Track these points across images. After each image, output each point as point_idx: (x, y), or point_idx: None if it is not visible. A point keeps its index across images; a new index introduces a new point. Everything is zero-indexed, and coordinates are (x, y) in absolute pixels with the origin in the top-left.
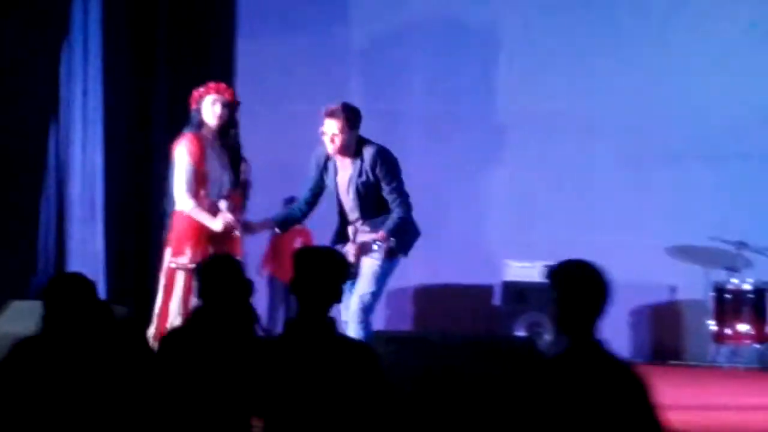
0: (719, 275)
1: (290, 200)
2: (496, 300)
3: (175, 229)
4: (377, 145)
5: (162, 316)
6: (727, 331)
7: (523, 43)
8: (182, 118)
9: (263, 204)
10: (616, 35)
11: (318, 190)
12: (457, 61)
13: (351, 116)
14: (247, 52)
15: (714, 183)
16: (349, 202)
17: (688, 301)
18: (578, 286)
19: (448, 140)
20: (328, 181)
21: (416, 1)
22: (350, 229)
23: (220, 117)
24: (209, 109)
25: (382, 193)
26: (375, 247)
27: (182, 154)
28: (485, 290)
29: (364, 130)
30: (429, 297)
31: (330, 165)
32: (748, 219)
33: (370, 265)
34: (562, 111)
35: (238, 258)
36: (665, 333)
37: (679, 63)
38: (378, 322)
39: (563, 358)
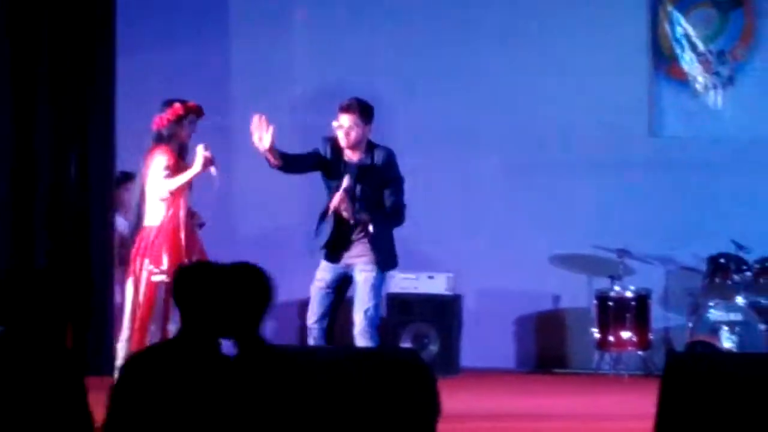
0: (602, 283)
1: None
2: (382, 311)
3: (154, 244)
4: (387, 147)
5: (141, 329)
6: (611, 338)
7: (404, 56)
8: (65, 134)
9: None
10: (497, 44)
11: (314, 161)
12: (340, 70)
13: (366, 111)
14: (127, 67)
15: (596, 191)
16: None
17: (572, 309)
18: (244, 289)
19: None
20: (326, 171)
21: (295, 14)
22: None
23: (189, 136)
24: (187, 127)
25: (384, 194)
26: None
27: (162, 161)
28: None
29: (248, 141)
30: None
31: (335, 157)
32: (630, 227)
33: (365, 279)
34: (445, 122)
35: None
36: (549, 341)
37: (558, 73)
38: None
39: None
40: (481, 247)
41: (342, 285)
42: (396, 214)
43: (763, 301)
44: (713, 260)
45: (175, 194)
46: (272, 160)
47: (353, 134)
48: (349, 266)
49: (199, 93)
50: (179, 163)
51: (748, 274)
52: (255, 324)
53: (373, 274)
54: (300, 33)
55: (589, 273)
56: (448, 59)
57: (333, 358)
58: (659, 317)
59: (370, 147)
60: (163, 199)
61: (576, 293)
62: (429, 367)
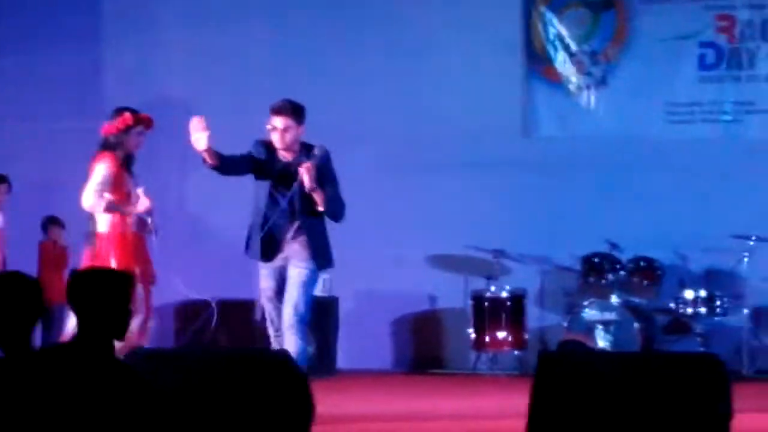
0: (478, 283)
1: (52, 219)
2: (257, 314)
3: (118, 250)
4: (323, 146)
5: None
6: (487, 338)
7: (282, 55)
8: None
9: (27, 222)
10: (370, 45)
11: (248, 163)
12: (211, 73)
13: (298, 112)
14: (5, 70)
15: (471, 191)
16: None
17: (448, 309)
18: (11, 299)
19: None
20: (260, 172)
21: (168, 18)
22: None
23: (138, 146)
24: (135, 137)
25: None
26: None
27: (102, 169)
28: (247, 305)
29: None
30: (191, 313)
31: (269, 158)
32: (506, 227)
33: (298, 274)
34: (320, 122)
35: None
36: (426, 342)
37: (433, 74)
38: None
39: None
40: (358, 248)
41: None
42: (336, 211)
43: (636, 299)
44: (587, 260)
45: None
46: (209, 160)
47: (288, 135)
48: (284, 264)
49: (70, 95)
50: (122, 174)
51: (622, 273)
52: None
53: (306, 270)
54: (175, 34)
55: (465, 273)
56: (325, 59)
57: (205, 360)
58: (535, 317)
59: (304, 146)
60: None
61: (452, 294)
62: (301, 368)
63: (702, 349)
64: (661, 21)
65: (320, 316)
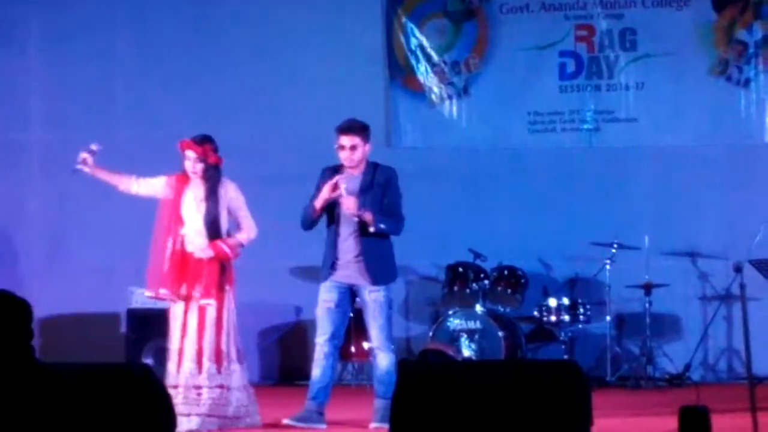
0: None
1: None
2: (123, 327)
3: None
4: (390, 166)
5: (180, 353)
6: (352, 348)
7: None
8: None
9: None
10: (229, 54)
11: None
12: (71, 85)
13: (365, 130)
14: None
15: None
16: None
17: (314, 321)
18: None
19: (65, 168)
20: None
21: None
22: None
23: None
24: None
25: (383, 210)
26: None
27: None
28: (112, 318)
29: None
30: (57, 326)
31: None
32: None
33: (375, 299)
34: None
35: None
36: (292, 353)
37: (296, 84)
38: None
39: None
40: None
41: (349, 303)
42: (390, 229)
43: (500, 308)
44: (451, 269)
45: None
46: (320, 205)
47: (356, 154)
48: (352, 286)
49: None
50: None
51: (486, 282)
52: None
53: (380, 292)
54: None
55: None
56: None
57: (67, 374)
58: (401, 327)
59: (370, 165)
60: None
61: (316, 305)
62: (161, 382)
63: (566, 356)
64: (522, 30)
65: None
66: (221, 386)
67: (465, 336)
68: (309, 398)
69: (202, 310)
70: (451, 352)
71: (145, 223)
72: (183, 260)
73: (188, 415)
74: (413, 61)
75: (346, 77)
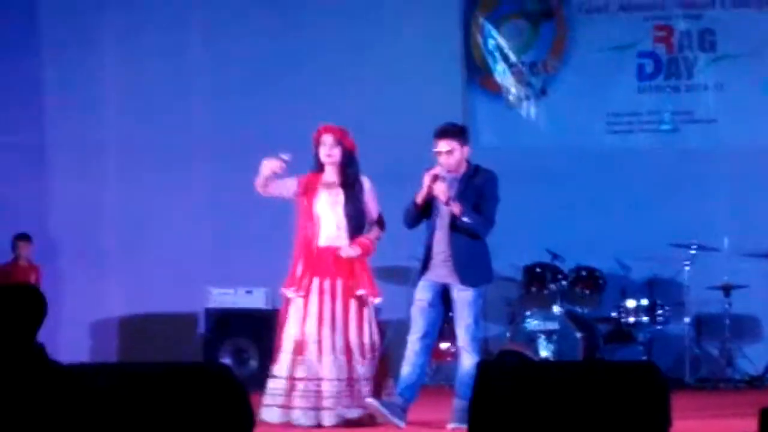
0: None
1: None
2: (201, 327)
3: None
4: (491, 170)
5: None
6: None
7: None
8: None
9: None
10: (313, 51)
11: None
12: (151, 83)
13: (462, 133)
14: None
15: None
16: (446, 213)
17: (393, 320)
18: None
19: (144, 167)
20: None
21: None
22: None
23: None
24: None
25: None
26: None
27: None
28: (189, 318)
29: (64, 160)
30: (133, 327)
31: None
32: None
33: (463, 298)
34: (254, 140)
35: None
36: None
37: (374, 84)
38: (82, 354)
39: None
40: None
41: (442, 302)
42: (478, 229)
43: (578, 309)
44: (529, 270)
45: None
46: (422, 201)
47: (453, 157)
48: (446, 285)
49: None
50: None
51: (564, 283)
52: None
53: (468, 292)
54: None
55: (407, 284)
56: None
57: (141, 373)
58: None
59: (471, 167)
60: None
61: (396, 304)
62: (240, 382)
63: (644, 357)
64: (600, 31)
65: (262, 329)
66: (368, 378)
67: (543, 337)
68: (396, 393)
69: (346, 305)
70: (529, 353)
71: (224, 221)
72: (320, 258)
73: (332, 408)
74: (491, 62)
75: (425, 78)
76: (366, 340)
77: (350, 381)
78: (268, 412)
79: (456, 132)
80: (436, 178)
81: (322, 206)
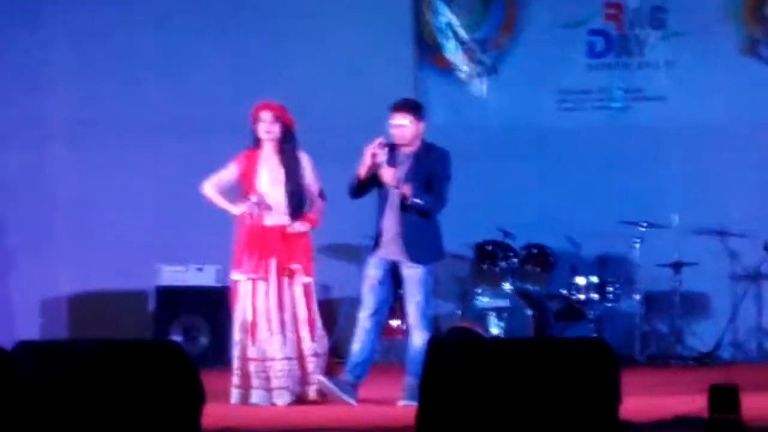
0: None
1: None
2: (151, 305)
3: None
4: (444, 148)
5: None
6: None
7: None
8: None
9: None
10: (256, 34)
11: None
12: (99, 62)
13: (418, 109)
14: None
15: None
16: (396, 192)
17: (344, 298)
18: None
19: (93, 145)
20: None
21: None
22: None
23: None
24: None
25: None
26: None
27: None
28: (139, 295)
29: (6, 137)
30: (83, 305)
31: (391, 158)
32: None
33: (413, 276)
34: (204, 118)
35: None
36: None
37: (324, 64)
38: (32, 332)
39: None
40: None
41: (392, 280)
42: (426, 209)
43: (529, 287)
44: (480, 247)
45: None
46: (367, 171)
47: (407, 131)
48: (396, 262)
49: None
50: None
51: (515, 260)
52: None
53: (418, 269)
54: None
55: (358, 262)
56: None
57: (95, 350)
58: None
59: (425, 145)
60: None
61: (347, 282)
62: (190, 359)
63: (595, 335)
64: (551, 9)
65: (213, 307)
66: (317, 354)
67: (493, 314)
68: (346, 371)
69: (304, 285)
70: (479, 330)
71: (173, 198)
72: (264, 235)
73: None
74: (442, 40)
75: (375, 57)
76: (315, 316)
77: (301, 359)
78: (235, 395)
79: (412, 106)
80: (375, 155)
81: (265, 184)
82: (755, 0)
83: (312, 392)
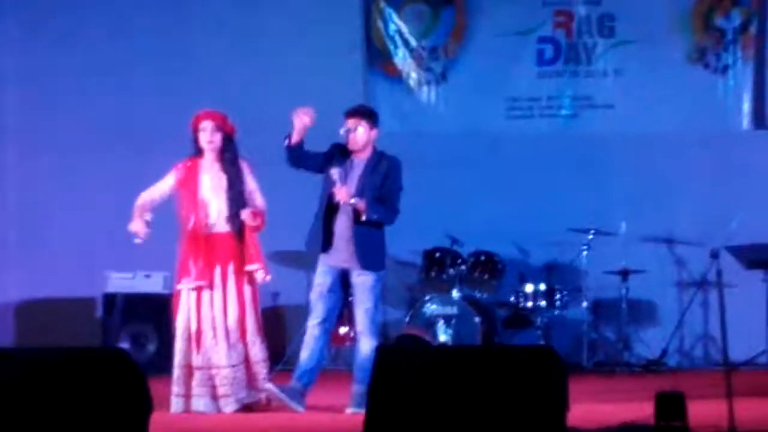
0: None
1: None
2: (99, 312)
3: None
4: (395, 157)
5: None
6: None
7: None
8: None
9: None
10: (202, 46)
11: (321, 162)
12: (51, 69)
13: (371, 115)
14: None
15: (313, 189)
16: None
17: (291, 306)
18: None
19: (41, 152)
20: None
21: None
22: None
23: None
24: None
25: (381, 195)
26: (352, 201)
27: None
28: (87, 302)
29: None
30: (31, 312)
31: (341, 160)
32: None
33: (363, 282)
34: (153, 125)
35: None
36: (270, 339)
37: (273, 72)
38: None
39: None
40: None
41: (341, 287)
42: (382, 219)
43: (477, 293)
44: (428, 254)
45: None
46: (296, 137)
47: (359, 137)
48: (345, 270)
49: None
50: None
51: (463, 267)
52: None
53: (369, 276)
54: None
55: (307, 269)
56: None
57: (40, 359)
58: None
59: (376, 152)
60: None
61: (294, 290)
62: (138, 366)
63: (542, 342)
64: (500, 16)
65: (161, 314)
66: (265, 360)
67: (441, 321)
68: (294, 378)
69: (240, 288)
70: (427, 338)
71: (121, 206)
72: (209, 244)
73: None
74: (391, 47)
75: (324, 64)
76: (259, 320)
77: (247, 365)
78: (175, 403)
79: (365, 113)
80: (303, 119)
81: (207, 192)
82: (703, 9)
83: (260, 399)
